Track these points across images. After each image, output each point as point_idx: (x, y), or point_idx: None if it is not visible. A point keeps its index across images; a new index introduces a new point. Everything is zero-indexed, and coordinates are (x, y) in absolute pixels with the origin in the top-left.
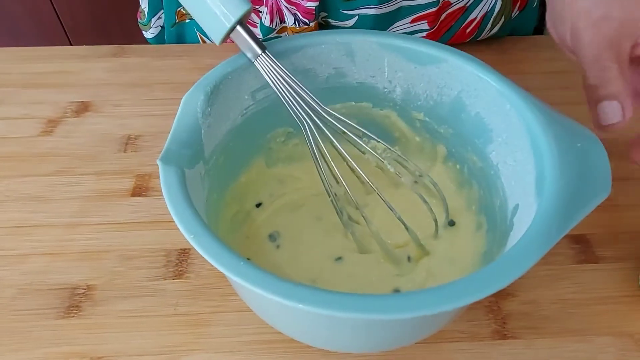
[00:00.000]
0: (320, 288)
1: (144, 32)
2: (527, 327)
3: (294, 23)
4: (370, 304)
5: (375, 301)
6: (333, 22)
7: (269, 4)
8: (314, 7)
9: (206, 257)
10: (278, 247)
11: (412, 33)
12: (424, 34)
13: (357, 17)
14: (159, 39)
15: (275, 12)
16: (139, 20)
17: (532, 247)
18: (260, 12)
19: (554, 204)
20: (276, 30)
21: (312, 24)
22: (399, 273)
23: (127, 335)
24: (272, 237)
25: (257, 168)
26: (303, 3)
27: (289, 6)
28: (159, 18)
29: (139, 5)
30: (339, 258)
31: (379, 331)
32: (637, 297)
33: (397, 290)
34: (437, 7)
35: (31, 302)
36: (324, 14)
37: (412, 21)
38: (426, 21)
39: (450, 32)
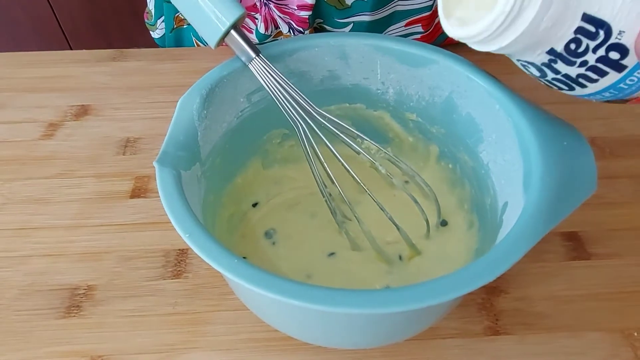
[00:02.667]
0: (311, 284)
1: (151, 32)
2: (519, 324)
3: (289, 31)
4: (360, 299)
5: (365, 296)
6: (329, 28)
7: (263, 12)
8: (307, 17)
9: (201, 255)
10: (274, 243)
11: (406, 36)
12: (419, 36)
13: (352, 24)
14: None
15: (269, 21)
16: (146, 20)
17: (518, 243)
18: (256, 18)
19: (539, 200)
20: (272, 36)
21: (307, 32)
22: (391, 271)
23: (127, 334)
24: (268, 235)
25: (254, 169)
26: (297, 13)
27: (282, 15)
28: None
29: (138, 9)
30: (332, 253)
31: (372, 327)
32: (628, 293)
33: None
34: (431, 11)
35: (33, 303)
36: (319, 20)
37: (407, 24)
38: (420, 24)
39: (445, 35)
